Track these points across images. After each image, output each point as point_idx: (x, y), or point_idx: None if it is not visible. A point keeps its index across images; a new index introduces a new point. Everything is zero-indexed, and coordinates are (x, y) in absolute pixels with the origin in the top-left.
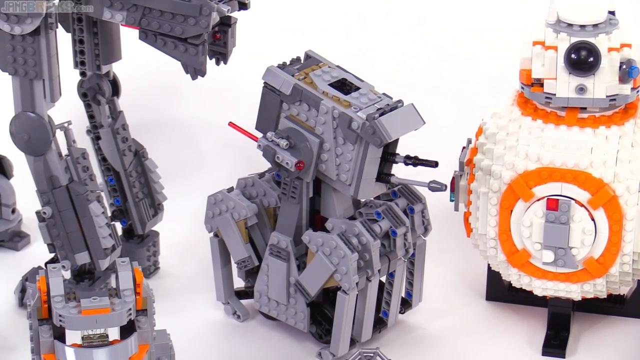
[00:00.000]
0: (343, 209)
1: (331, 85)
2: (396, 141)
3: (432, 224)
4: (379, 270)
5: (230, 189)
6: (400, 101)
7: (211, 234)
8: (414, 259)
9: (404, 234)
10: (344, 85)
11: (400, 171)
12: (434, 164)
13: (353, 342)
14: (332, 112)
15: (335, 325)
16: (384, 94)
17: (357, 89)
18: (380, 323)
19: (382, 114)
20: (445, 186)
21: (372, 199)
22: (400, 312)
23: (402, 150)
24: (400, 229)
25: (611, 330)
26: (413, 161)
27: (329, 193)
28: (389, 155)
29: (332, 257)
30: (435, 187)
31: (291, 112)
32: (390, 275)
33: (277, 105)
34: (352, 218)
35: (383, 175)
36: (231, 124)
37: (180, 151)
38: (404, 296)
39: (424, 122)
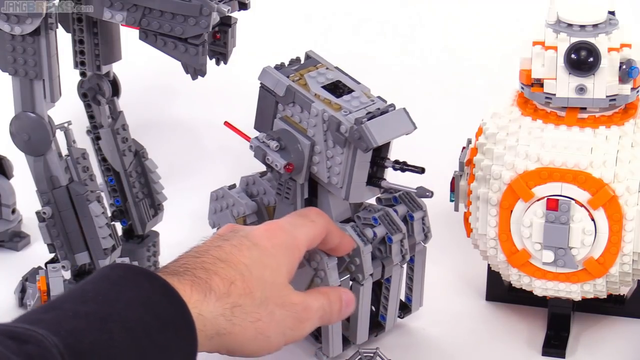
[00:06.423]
0: (339, 211)
1: (324, 87)
2: (387, 145)
3: (432, 224)
4: (371, 275)
5: (233, 186)
6: (392, 105)
7: (214, 230)
8: (414, 264)
9: (400, 240)
10: (337, 88)
11: (399, 173)
12: (421, 171)
13: (349, 342)
14: (322, 115)
15: (323, 327)
16: (378, 97)
17: (350, 91)
18: (378, 327)
19: (370, 118)
20: (432, 193)
21: (373, 203)
22: (399, 317)
23: (402, 151)
24: (395, 236)
25: (611, 330)
26: (401, 166)
27: (325, 195)
28: (379, 159)
29: (311, 261)
30: (422, 193)
31: (286, 113)
32: (387, 281)
33: (273, 105)
34: (350, 220)
35: (375, 180)
36: (226, 124)
37: (180, 151)
38: (403, 300)
39: (415, 127)
